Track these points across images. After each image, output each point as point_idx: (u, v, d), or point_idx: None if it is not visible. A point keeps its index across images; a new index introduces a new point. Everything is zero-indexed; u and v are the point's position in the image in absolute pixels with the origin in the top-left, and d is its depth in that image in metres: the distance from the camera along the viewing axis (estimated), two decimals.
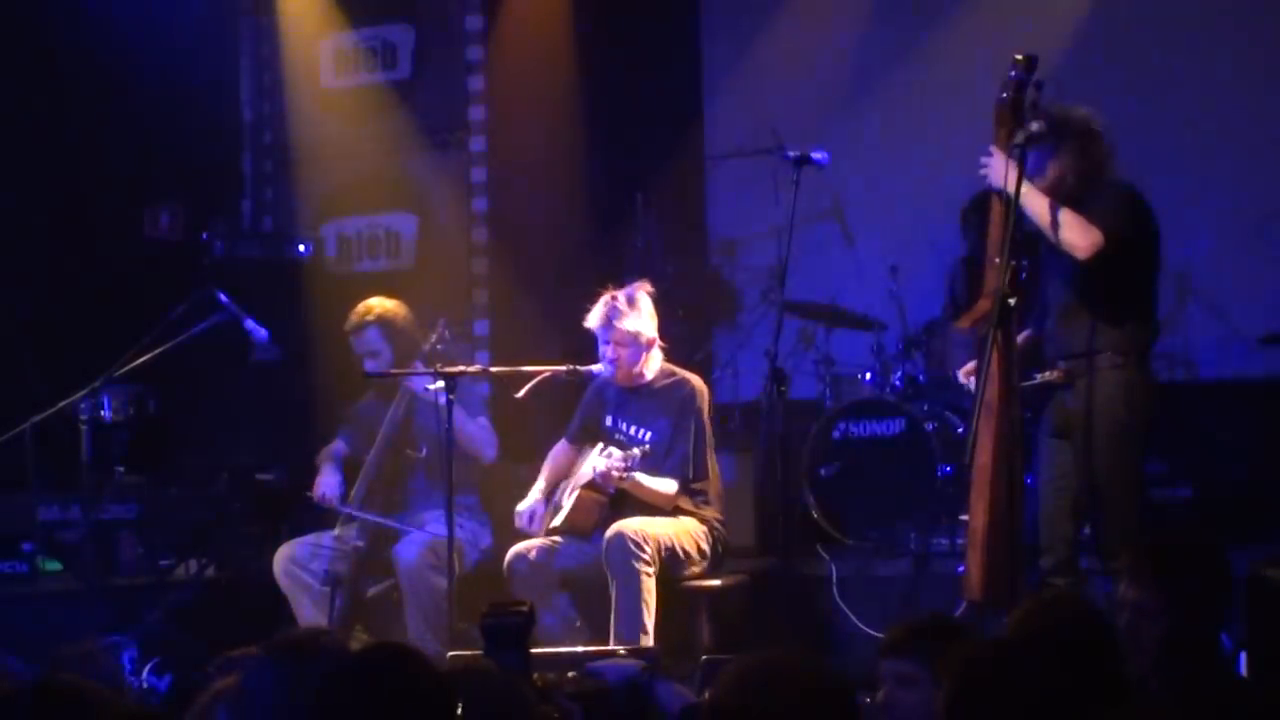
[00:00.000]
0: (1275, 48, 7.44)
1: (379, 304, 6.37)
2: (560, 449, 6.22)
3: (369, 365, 6.27)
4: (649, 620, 5.54)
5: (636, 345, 5.89)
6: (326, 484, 6.33)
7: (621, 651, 5.01)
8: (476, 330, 8.52)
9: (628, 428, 5.96)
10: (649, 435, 5.89)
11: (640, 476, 5.68)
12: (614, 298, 5.89)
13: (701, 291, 8.08)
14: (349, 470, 6.46)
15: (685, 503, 5.86)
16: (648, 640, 5.47)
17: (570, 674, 4.32)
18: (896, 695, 3.32)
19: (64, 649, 3.69)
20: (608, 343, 5.90)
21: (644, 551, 5.56)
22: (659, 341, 6.00)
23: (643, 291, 5.93)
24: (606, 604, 5.72)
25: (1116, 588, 3.75)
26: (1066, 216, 4.85)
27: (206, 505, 7.10)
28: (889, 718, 3.31)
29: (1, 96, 7.96)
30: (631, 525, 5.61)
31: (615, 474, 5.60)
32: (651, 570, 5.57)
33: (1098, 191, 4.94)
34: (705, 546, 5.83)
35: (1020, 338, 5.13)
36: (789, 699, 2.67)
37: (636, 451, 5.57)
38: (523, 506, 6.04)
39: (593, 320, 5.90)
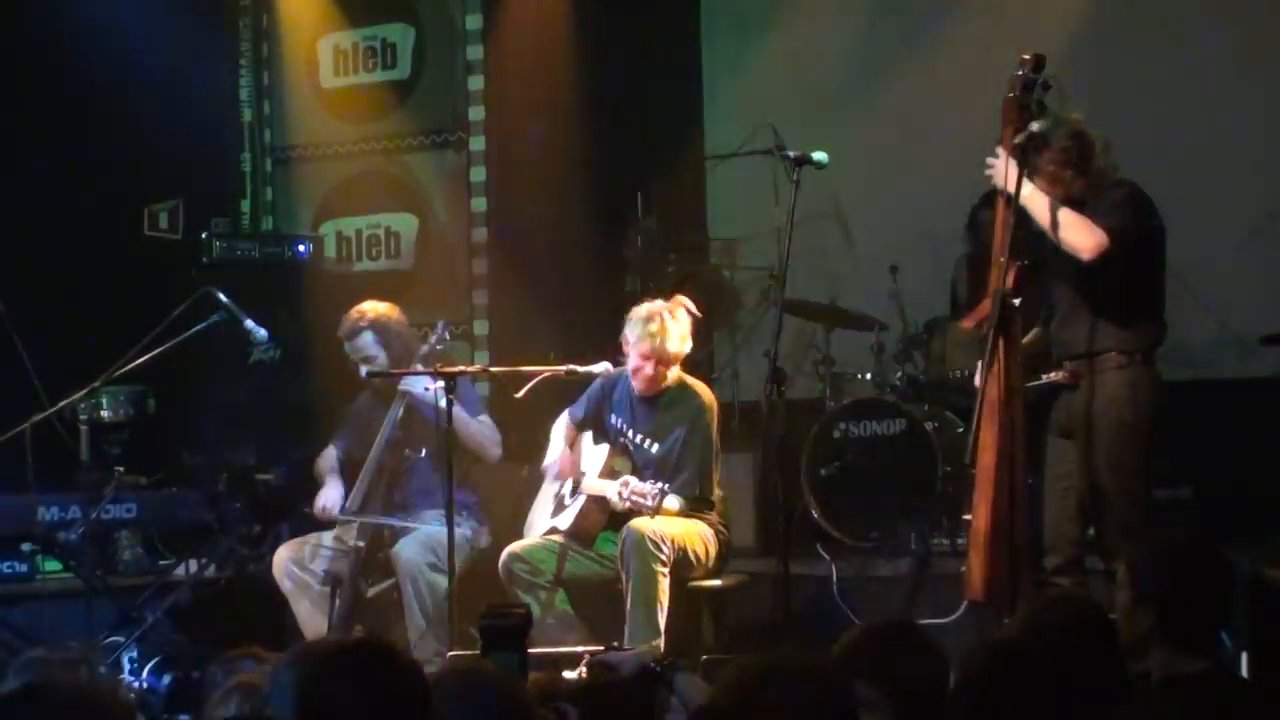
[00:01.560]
0: (1275, 47, 7.43)
1: (371, 308, 6.35)
2: (565, 423, 6.19)
3: (366, 368, 6.25)
4: (662, 620, 5.54)
5: (673, 365, 5.88)
6: (328, 496, 6.32)
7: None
8: (476, 330, 8.52)
9: (634, 435, 5.94)
10: (656, 447, 5.87)
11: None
12: (660, 317, 5.81)
13: (701, 291, 8.07)
14: (345, 471, 6.45)
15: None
16: (659, 642, 5.47)
17: (583, 665, 4.32)
18: None
19: (40, 653, 3.64)
20: (648, 358, 5.84)
21: (662, 551, 5.56)
22: None
23: (684, 309, 5.89)
24: (604, 604, 5.72)
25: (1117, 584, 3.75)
26: (1070, 217, 4.85)
27: (206, 505, 7.10)
28: None
29: (1, 96, 7.95)
30: (648, 525, 5.60)
31: (638, 510, 5.56)
32: (667, 570, 5.58)
33: (1100, 191, 4.94)
34: (713, 550, 5.82)
35: (1030, 336, 5.13)
36: (789, 699, 2.67)
37: (658, 490, 5.51)
38: (549, 462, 6.09)
39: (643, 340, 5.80)
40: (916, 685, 3.04)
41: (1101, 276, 4.89)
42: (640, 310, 5.88)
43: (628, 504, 5.55)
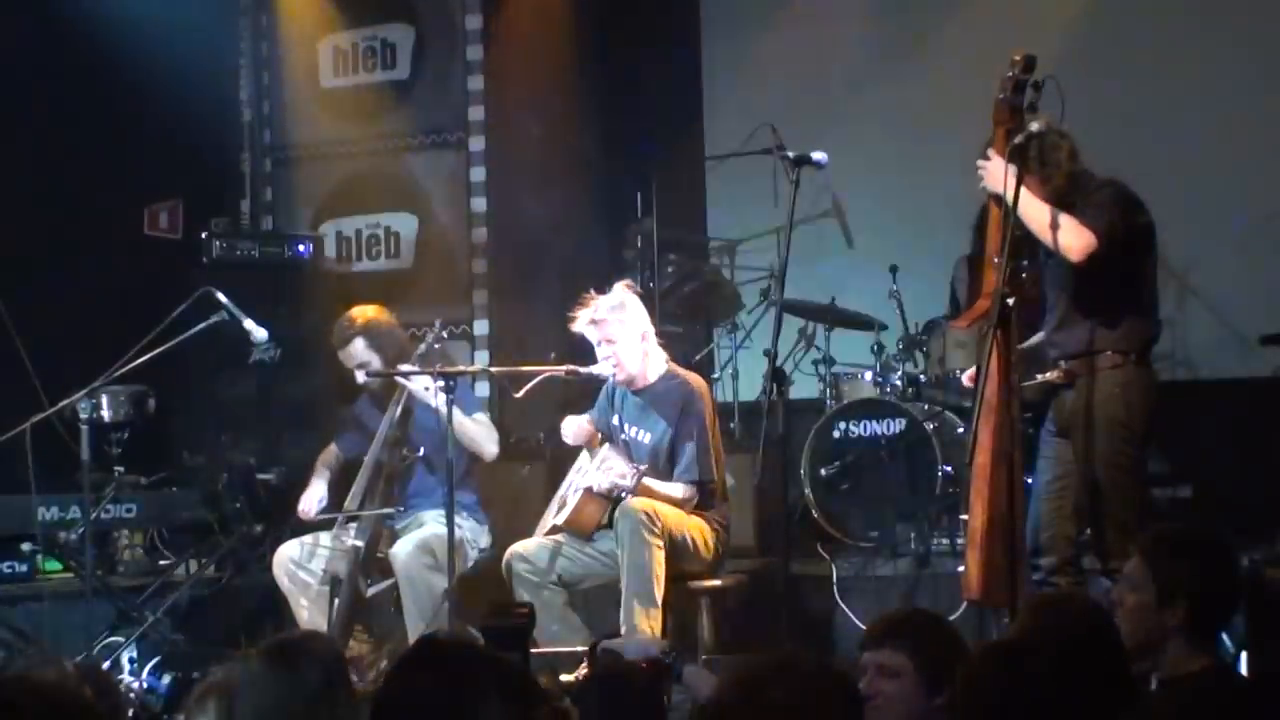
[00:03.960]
0: (1274, 47, 7.43)
1: (360, 314, 6.35)
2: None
3: (367, 370, 6.25)
4: (658, 592, 5.55)
5: (626, 339, 5.89)
6: (307, 499, 6.37)
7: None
8: (476, 330, 8.52)
9: (629, 428, 5.97)
10: (649, 437, 5.89)
11: (650, 483, 5.69)
12: (592, 300, 5.91)
13: (701, 291, 8.07)
14: (347, 471, 6.46)
15: (688, 505, 5.86)
16: (656, 614, 5.50)
17: (584, 664, 4.33)
18: (879, 685, 3.32)
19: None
20: (599, 342, 5.90)
21: (655, 524, 5.58)
22: (658, 340, 6.00)
23: (624, 287, 5.93)
24: (606, 604, 5.72)
25: (1116, 583, 3.74)
26: (1059, 219, 4.84)
27: (206, 505, 7.10)
28: (869, 708, 3.29)
29: (1, 96, 7.95)
30: (642, 503, 5.63)
31: (617, 490, 5.61)
32: (661, 543, 5.59)
33: (1085, 192, 4.93)
34: (710, 543, 5.83)
35: (1034, 339, 5.14)
36: (792, 698, 2.67)
37: (635, 468, 5.56)
38: (569, 428, 6.08)
39: (579, 324, 5.90)
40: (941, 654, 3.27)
41: (1093, 276, 4.89)
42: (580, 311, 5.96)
43: (609, 483, 5.59)
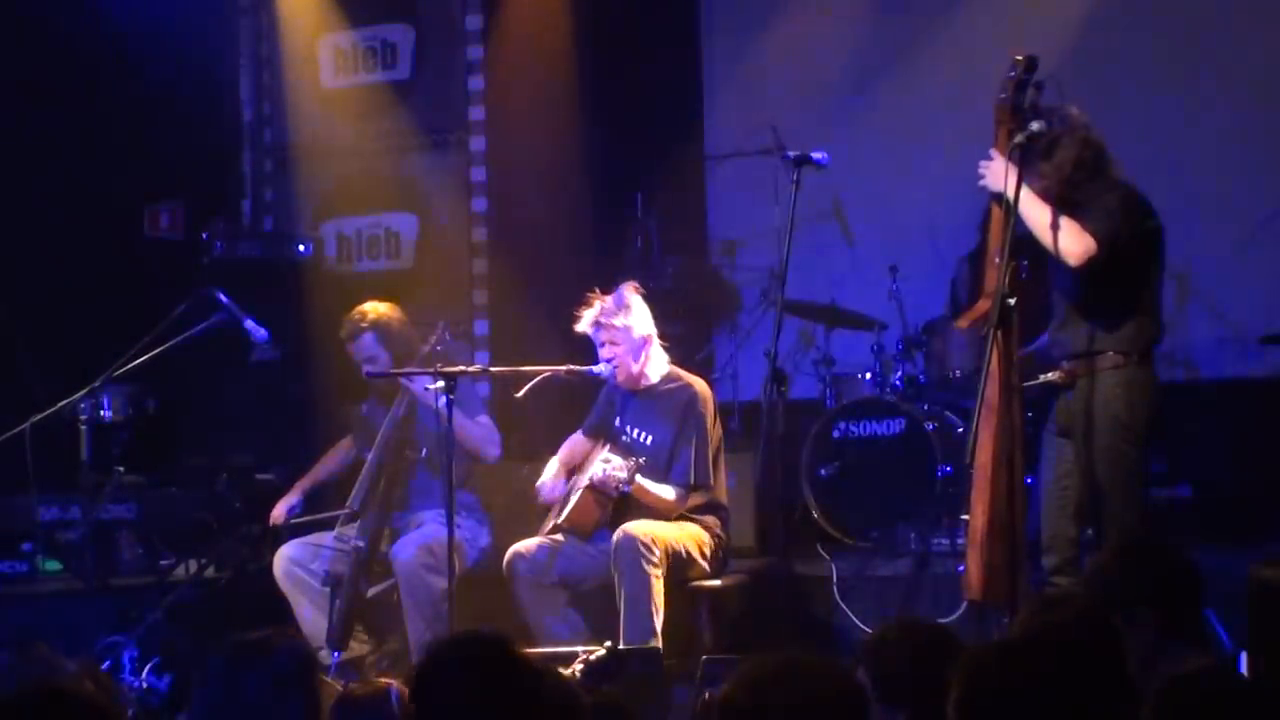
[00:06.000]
0: (1275, 47, 7.43)
1: (373, 309, 6.36)
2: (576, 438, 6.21)
3: (368, 369, 6.26)
4: (658, 621, 5.54)
5: (630, 342, 5.89)
6: (279, 506, 6.42)
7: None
8: (476, 330, 8.52)
9: (631, 430, 5.97)
10: (650, 438, 5.89)
11: (645, 482, 5.69)
12: (601, 298, 5.90)
13: (701, 291, 8.07)
14: (350, 471, 6.47)
15: (686, 510, 5.86)
16: (656, 642, 5.47)
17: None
18: None
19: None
20: (601, 344, 5.90)
21: (653, 553, 5.56)
22: (661, 342, 6.00)
23: (630, 289, 5.93)
24: (606, 604, 5.72)
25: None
26: (1060, 221, 4.84)
27: (206, 505, 7.10)
28: None
29: (2, 97, 7.95)
30: (640, 528, 5.62)
31: (613, 483, 5.61)
32: (660, 572, 5.58)
33: (1096, 193, 4.93)
34: (709, 551, 5.83)
35: (1038, 342, 5.14)
36: (802, 698, 2.67)
37: (632, 462, 5.57)
38: (543, 481, 6.07)
39: (583, 324, 5.90)
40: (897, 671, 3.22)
41: (1096, 278, 4.89)
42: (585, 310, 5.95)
43: (611, 481, 5.60)
